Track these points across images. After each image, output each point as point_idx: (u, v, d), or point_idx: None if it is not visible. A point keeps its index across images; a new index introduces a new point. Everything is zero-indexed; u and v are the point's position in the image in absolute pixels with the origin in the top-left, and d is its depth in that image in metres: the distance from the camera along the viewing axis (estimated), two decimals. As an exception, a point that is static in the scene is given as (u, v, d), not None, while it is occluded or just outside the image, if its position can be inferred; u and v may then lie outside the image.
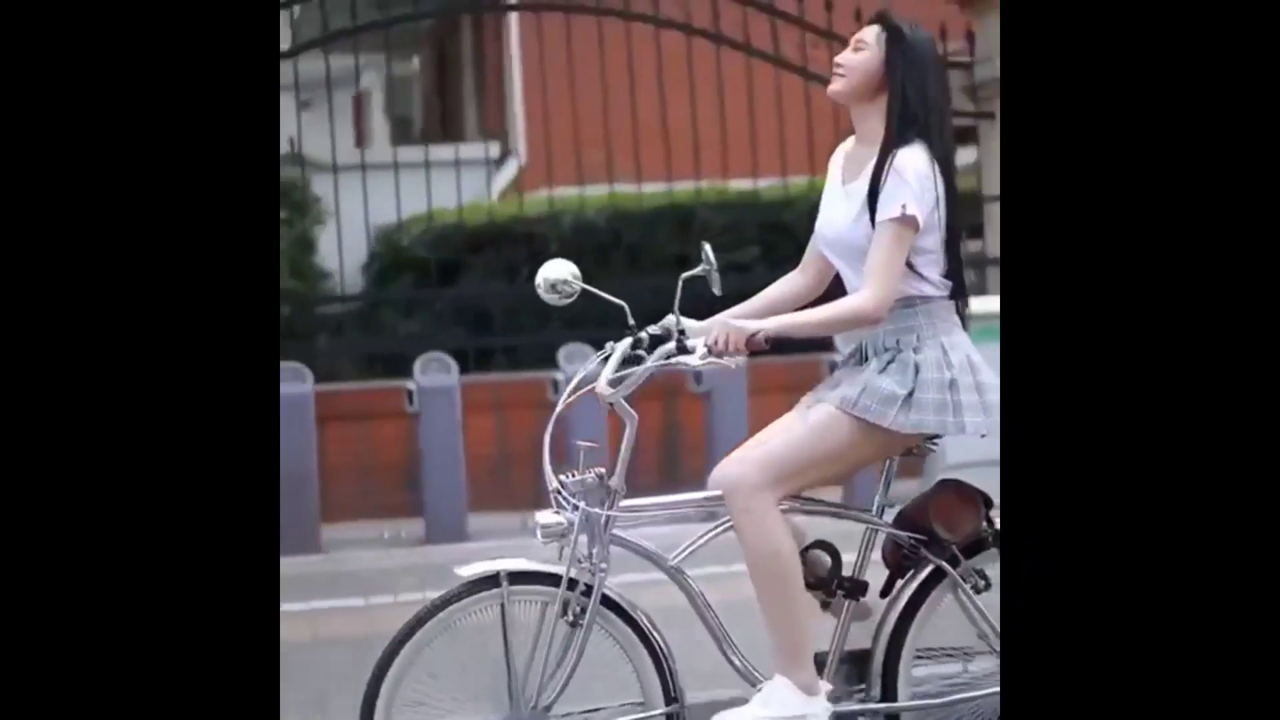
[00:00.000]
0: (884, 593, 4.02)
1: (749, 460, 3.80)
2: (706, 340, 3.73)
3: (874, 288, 3.76)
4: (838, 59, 3.93)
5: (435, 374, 8.89)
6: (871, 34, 3.90)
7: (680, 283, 3.74)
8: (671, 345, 3.77)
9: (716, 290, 3.77)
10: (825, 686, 3.86)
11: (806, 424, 3.84)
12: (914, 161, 3.78)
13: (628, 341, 3.88)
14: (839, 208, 3.93)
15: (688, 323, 3.84)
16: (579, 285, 3.86)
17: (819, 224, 4.01)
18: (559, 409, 3.85)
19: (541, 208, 10.91)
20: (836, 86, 3.91)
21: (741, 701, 3.88)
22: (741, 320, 3.76)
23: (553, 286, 3.85)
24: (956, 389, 3.78)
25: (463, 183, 10.36)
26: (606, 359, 3.89)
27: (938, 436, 3.87)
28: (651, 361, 3.79)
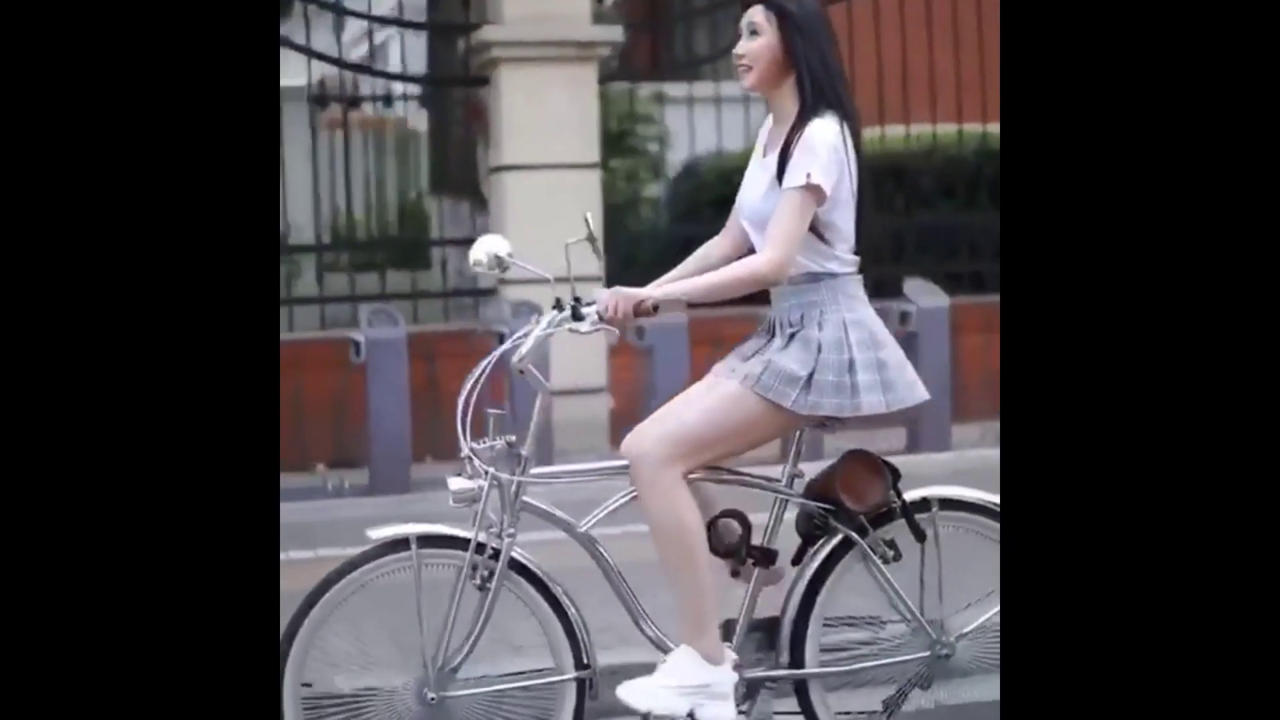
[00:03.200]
0: (795, 560, 4.09)
1: (654, 435, 3.87)
2: (598, 307, 3.83)
3: (770, 250, 3.84)
4: (738, 50, 3.95)
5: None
6: (760, 14, 3.92)
7: (566, 249, 3.83)
8: (566, 313, 3.87)
9: (599, 258, 3.87)
10: (730, 656, 3.94)
11: (711, 399, 3.91)
12: (824, 132, 3.85)
13: (551, 315, 3.95)
14: (755, 180, 4.00)
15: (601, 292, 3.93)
16: (510, 261, 3.93)
17: (739, 195, 4.08)
18: (476, 378, 3.92)
19: (901, 144, 10.91)
20: (748, 81, 3.96)
21: (650, 668, 3.97)
22: (630, 288, 3.85)
23: (491, 260, 3.92)
24: (855, 369, 3.85)
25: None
26: (527, 333, 3.96)
27: None
28: (542, 328, 3.89)
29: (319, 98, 11.23)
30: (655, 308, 3.82)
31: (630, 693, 3.87)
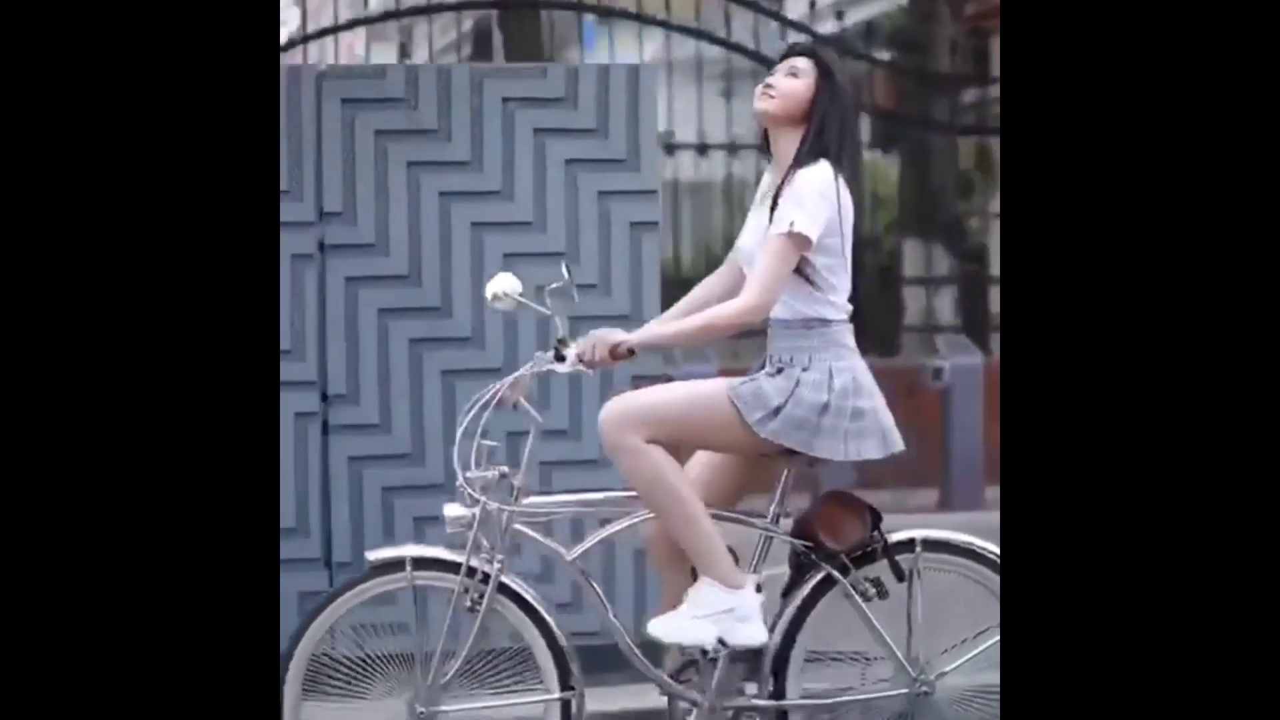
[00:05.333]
0: (784, 593, 4.25)
1: (621, 404, 4.06)
2: (578, 349, 4.04)
3: (748, 294, 3.99)
4: (769, 80, 4.13)
5: None
6: (806, 63, 4.12)
7: (547, 294, 4.06)
8: (549, 354, 4.09)
9: (575, 300, 4.07)
10: (751, 578, 4.10)
11: (689, 387, 4.16)
12: (814, 180, 3.99)
13: (550, 354, 4.17)
14: (753, 224, 4.17)
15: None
16: (518, 298, 4.18)
17: (739, 238, 4.26)
18: (472, 410, 4.14)
19: None
20: (764, 105, 4.11)
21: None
22: (609, 331, 4.04)
23: (500, 298, 4.18)
24: (827, 413, 3.99)
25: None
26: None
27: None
28: (525, 369, 4.12)
29: (668, 145, 11.67)
30: (631, 351, 4.02)
31: (659, 628, 4.08)
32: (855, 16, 10.11)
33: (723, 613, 4.02)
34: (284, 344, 5.45)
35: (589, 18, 10.49)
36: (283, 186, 5.37)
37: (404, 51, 11.87)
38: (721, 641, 4.03)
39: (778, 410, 3.99)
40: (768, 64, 4.51)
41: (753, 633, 4.04)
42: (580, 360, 4.03)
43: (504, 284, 4.18)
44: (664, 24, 8.90)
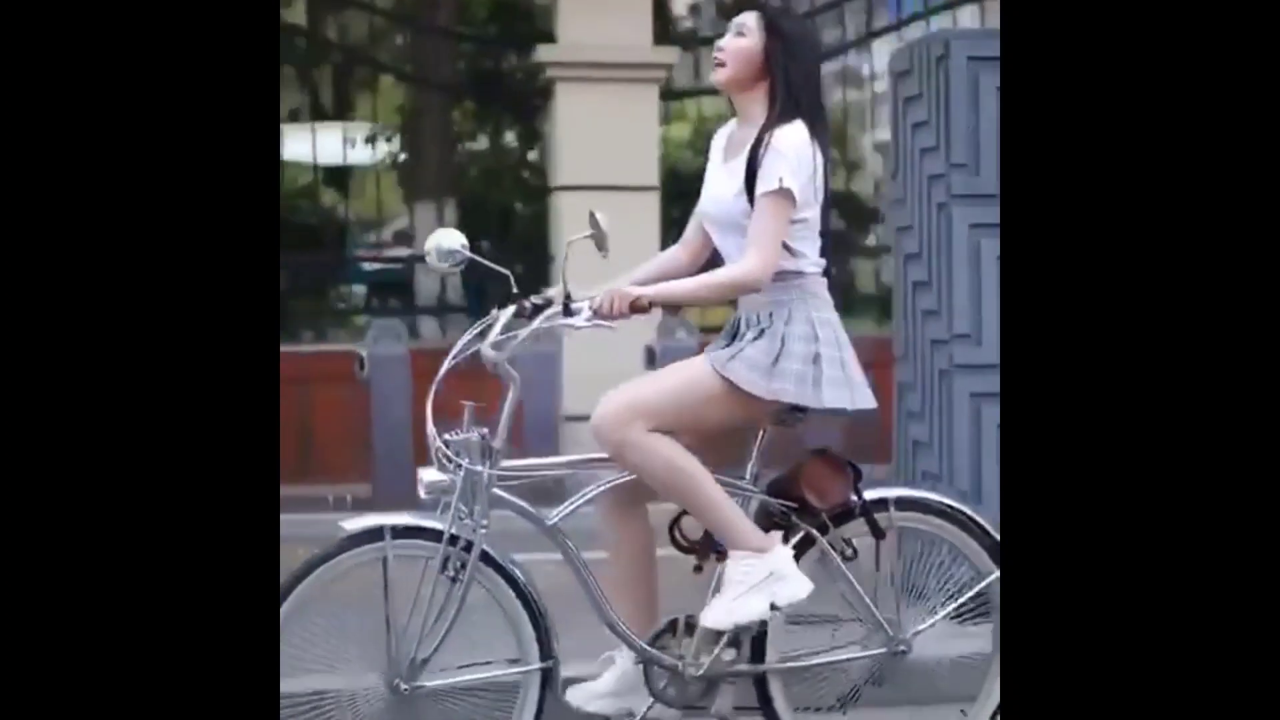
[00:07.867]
0: (757, 557, 4.17)
1: (614, 403, 3.90)
2: (592, 304, 3.87)
3: (754, 256, 3.91)
4: (719, 44, 4.06)
5: None
6: (752, 19, 4.04)
7: (568, 247, 3.89)
8: (558, 308, 3.91)
9: (604, 255, 3.91)
10: (775, 535, 4.01)
11: (675, 374, 4.00)
12: (792, 138, 3.93)
13: (510, 309, 4.02)
14: (721, 184, 4.07)
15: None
16: (466, 254, 4.02)
17: (701, 200, 4.16)
18: (441, 373, 3.96)
19: None
20: (720, 76, 4.06)
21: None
22: (626, 286, 3.90)
23: (444, 254, 4.01)
24: (820, 362, 3.94)
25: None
26: (489, 326, 4.02)
27: (803, 409, 4.01)
28: (537, 322, 3.94)
29: None
30: (650, 305, 3.87)
31: (711, 618, 3.97)
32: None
33: (764, 580, 3.93)
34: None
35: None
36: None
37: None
38: (773, 605, 3.94)
39: (773, 368, 3.91)
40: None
41: (798, 587, 3.95)
42: (597, 315, 3.86)
43: (452, 240, 4.02)
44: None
